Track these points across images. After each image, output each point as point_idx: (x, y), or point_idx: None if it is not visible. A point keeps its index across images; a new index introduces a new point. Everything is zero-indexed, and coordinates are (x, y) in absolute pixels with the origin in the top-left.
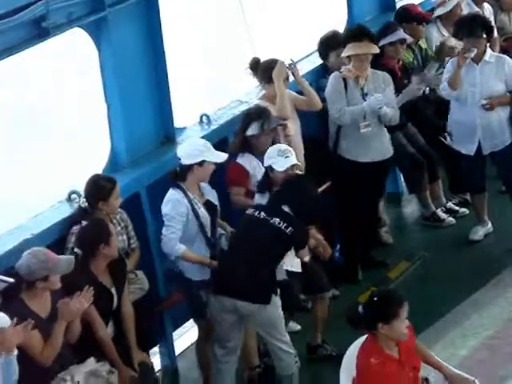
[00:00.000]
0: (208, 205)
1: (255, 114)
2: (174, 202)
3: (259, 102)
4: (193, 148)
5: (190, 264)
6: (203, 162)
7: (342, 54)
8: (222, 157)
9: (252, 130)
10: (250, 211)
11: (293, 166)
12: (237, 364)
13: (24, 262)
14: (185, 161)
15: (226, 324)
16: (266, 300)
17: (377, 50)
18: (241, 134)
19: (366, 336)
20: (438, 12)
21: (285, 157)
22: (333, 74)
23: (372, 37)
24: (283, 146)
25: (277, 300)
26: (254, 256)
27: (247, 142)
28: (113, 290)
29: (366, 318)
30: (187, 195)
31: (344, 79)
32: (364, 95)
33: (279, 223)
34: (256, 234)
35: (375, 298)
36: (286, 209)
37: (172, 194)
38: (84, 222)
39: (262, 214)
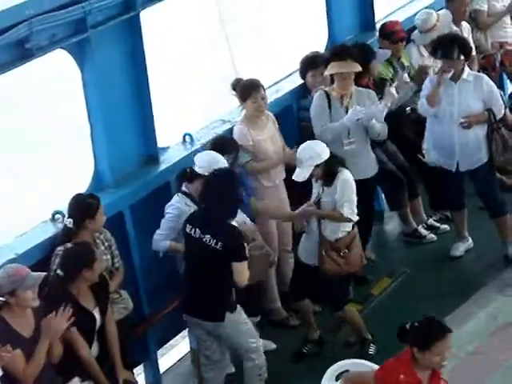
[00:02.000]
0: None
1: (219, 147)
2: (173, 208)
3: (237, 122)
4: (212, 162)
5: None
6: None
7: (325, 73)
8: None
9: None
10: (187, 228)
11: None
12: (225, 373)
13: None
14: (198, 169)
15: (202, 338)
16: (220, 318)
17: (359, 69)
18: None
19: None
20: (419, 41)
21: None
22: (317, 93)
23: (354, 55)
24: (301, 154)
25: (233, 316)
26: (199, 276)
27: None
28: (95, 312)
29: (405, 338)
30: (193, 199)
31: (328, 98)
32: (347, 113)
33: (210, 241)
34: (195, 254)
35: (416, 323)
36: (215, 214)
37: (176, 201)
38: (69, 244)
39: (197, 231)
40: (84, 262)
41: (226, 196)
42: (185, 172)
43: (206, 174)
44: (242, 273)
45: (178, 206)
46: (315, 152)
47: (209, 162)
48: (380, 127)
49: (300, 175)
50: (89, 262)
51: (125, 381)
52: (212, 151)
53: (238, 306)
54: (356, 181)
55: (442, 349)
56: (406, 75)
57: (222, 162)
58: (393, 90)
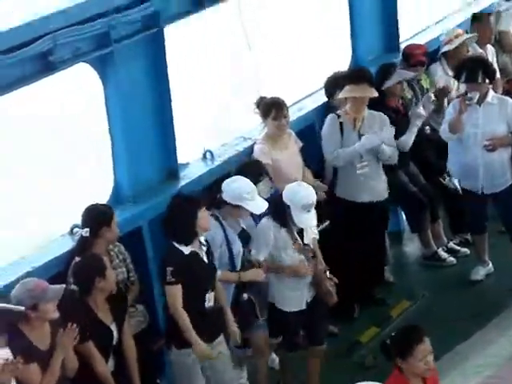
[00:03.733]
0: (242, 234)
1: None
2: (210, 234)
3: (258, 140)
4: (238, 191)
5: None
6: (240, 206)
7: (340, 95)
8: (260, 209)
9: None
10: None
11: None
12: None
13: (14, 291)
14: (225, 196)
15: None
16: (167, 344)
17: (375, 94)
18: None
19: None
20: (444, 49)
21: (306, 211)
22: (329, 116)
23: (371, 80)
24: (311, 199)
25: (179, 353)
26: None
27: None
28: (112, 326)
29: (388, 352)
30: (222, 225)
31: (340, 122)
32: (360, 137)
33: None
34: None
35: (393, 333)
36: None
37: (211, 225)
38: (77, 258)
39: None
40: (95, 271)
41: (175, 219)
42: (214, 198)
43: (234, 203)
44: (168, 297)
45: (213, 230)
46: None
47: (235, 191)
48: (389, 151)
49: (315, 219)
50: (100, 270)
51: None
52: (240, 177)
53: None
54: (369, 203)
55: (423, 352)
56: (431, 94)
57: (248, 189)
58: (420, 109)
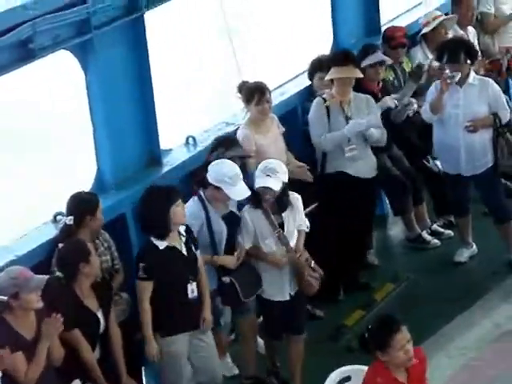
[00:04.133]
0: (229, 217)
1: (218, 143)
2: (189, 214)
3: (241, 125)
4: (220, 172)
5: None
6: (220, 188)
7: (326, 77)
8: (240, 195)
9: (213, 157)
10: None
11: (265, 188)
12: None
13: None
14: (208, 177)
15: None
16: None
17: (360, 75)
18: (206, 161)
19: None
20: (422, 31)
21: (266, 175)
22: (315, 100)
23: (356, 62)
24: (273, 164)
25: (163, 341)
26: None
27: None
28: (99, 314)
29: (365, 346)
30: (205, 206)
31: (327, 106)
32: (347, 119)
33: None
34: None
35: (369, 326)
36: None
37: (191, 206)
38: (60, 245)
39: None
40: (79, 256)
41: (147, 213)
42: (202, 177)
43: (215, 184)
44: (137, 291)
45: (194, 210)
46: (285, 170)
47: (216, 171)
48: (378, 134)
49: (276, 185)
50: (84, 255)
51: None
52: (226, 160)
53: (178, 338)
54: (357, 180)
55: (402, 342)
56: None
57: (230, 173)
58: (387, 101)
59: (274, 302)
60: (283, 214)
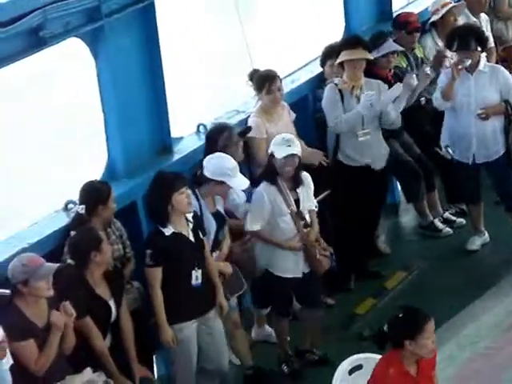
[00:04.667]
0: (216, 215)
1: (210, 136)
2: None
3: (252, 113)
4: (219, 167)
5: None
6: (223, 182)
7: (337, 61)
8: (242, 184)
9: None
10: None
11: (293, 155)
12: None
13: (11, 264)
14: (206, 172)
15: None
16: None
17: (371, 57)
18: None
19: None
20: (431, 19)
21: (287, 145)
22: (328, 86)
23: (366, 45)
24: (288, 136)
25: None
26: None
27: None
28: (111, 302)
29: (393, 336)
30: (199, 203)
31: (340, 91)
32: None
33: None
34: None
35: (400, 315)
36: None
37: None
38: (73, 232)
39: None
40: (91, 244)
41: (150, 199)
42: (195, 175)
43: (216, 178)
44: (147, 279)
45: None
46: (298, 143)
47: (216, 166)
48: (394, 115)
49: (299, 152)
50: (95, 244)
51: (141, 378)
52: (221, 154)
53: (185, 327)
54: (370, 170)
55: (431, 331)
56: (427, 68)
57: (229, 165)
58: (412, 78)
59: (286, 279)
60: (298, 190)
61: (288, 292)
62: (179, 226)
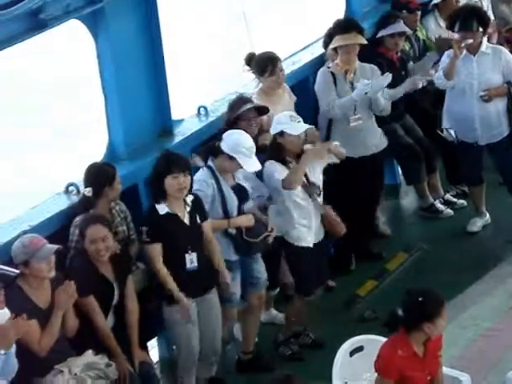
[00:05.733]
0: (237, 189)
1: (233, 102)
2: (200, 183)
3: (253, 95)
4: (237, 143)
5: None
6: (234, 159)
7: (330, 46)
8: (253, 167)
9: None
10: None
11: (305, 130)
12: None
13: (13, 245)
14: (223, 145)
15: None
16: (158, 300)
17: (364, 41)
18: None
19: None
20: (434, 1)
21: (297, 121)
22: (321, 69)
23: (360, 28)
24: (291, 112)
25: (168, 310)
26: None
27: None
28: (115, 284)
29: (410, 319)
30: (215, 176)
31: (333, 74)
32: (353, 88)
33: None
34: None
35: (420, 299)
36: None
37: (200, 175)
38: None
39: None
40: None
41: (152, 176)
42: (213, 146)
43: (230, 153)
44: (147, 257)
45: (204, 178)
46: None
47: (234, 141)
48: (384, 102)
49: (306, 126)
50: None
51: (140, 362)
52: (242, 131)
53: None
54: (365, 157)
55: (445, 311)
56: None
57: (246, 144)
58: (417, 78)
59: (299, 248)
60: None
61: (306, 265)
62: (175, 207)
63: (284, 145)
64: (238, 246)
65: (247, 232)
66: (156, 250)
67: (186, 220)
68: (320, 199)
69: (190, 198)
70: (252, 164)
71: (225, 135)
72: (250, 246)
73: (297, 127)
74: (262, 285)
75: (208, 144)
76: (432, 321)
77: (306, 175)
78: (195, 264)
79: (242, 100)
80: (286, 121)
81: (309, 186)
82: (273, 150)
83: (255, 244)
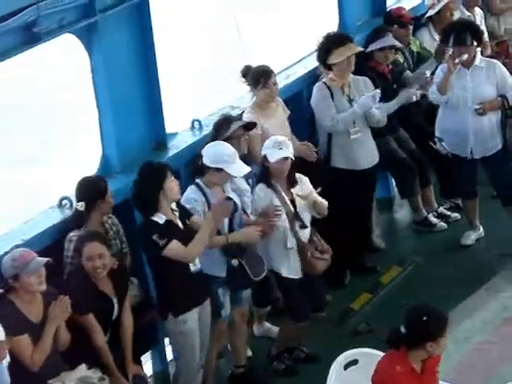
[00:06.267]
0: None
1: (218, 123)
2: (189, 201)
3: (247, 109)
4: (217, 153)
5: (208, 260)
6: (221, 170)
7: (333, 61)
8: (241, 172)
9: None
10: None
11: (285, 158)
12: None
13: (3, 260)
14: (206, 160)
15: None
16: (162, 315)
17: (361, 49)
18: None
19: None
20: (428, 14)
21: (278, 148)
22: (318, 84)
23: (351, 40)
24: (280, 138)
25: (174, 322)
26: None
27: None
28: (114, 300)
29: (412, 337)
30: (203, 192)
31: (329, 88)
32: (350, 101)
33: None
34: None
35: (424, 318)
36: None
37: (189, 193)
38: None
39: None
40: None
41: (141, 189)
42: (197, 166)
43: (214, 166)
44: (175, 256)
45: (194, 196)
46: (291, 144)
47: (214, 153)
48: (379, 114)
49: (291, 154)
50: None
51: (134, 375)
52: (219, 141)
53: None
54: (361, 170)
55: (447, 330)
56: (428, 72)
57: (226, 151)
58: (411, 91)
59: (292, 280)
60: (292, 191)
61: (298, 294)
62: (168, 214)
63: (268, 169)
64: (235, 278)
65: (251, 269)
66: (178, 245)
67: (180, 225)
68: (305, 233)
69: (174, 205)
70: (238, 169)
71: (203, 151)
72: (249, 281)
73: (274, 154)
74: (245, 301)
75: (193, 166)
76: (435, 340)
77: (293, 201)
78: (198, 266)
79: (226, 120)
80: (269, 145)
81: (293, 216)
82: (261, 173)
83: (254, 281)
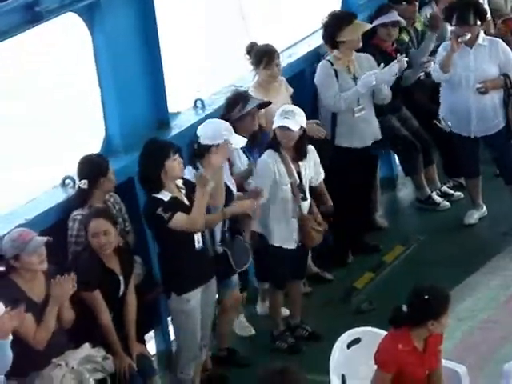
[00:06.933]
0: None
1: (233, 99)
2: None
3: (250, 88)
4: (215, 130)
5: None
6: (221, 145)
7: (348, 38)
8: (240, 142)
9: (234, 115)
10: None
11: (287, 128)
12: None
13: (3, 241)
14: (205, 140)
15: None
16: (166, 292)
17: (370, 26)
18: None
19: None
20: None
21: (283, 117)
22: (322, 63)
23: (356, 17)
24: (289, 108)
25: (177, 300)
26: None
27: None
28: (121, 277)
29: (414, 316)
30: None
31: (333, 67)
32: (355, 79)
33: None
34: None
35: (426, 297)
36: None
37: (188, 174)
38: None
39: None
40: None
41: (144, 167)
42: (193, 151)
43: (215, 142)
44: (184, 225)
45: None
46: (303, 114)
47: (211, 130)
48: (386, 90)
49: (294, 126)
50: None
51: (138, 355)
52: (212, 120)
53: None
54: (365, 148)
55: (449, 309)
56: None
57: (223, 126)
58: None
59: (284, 250)
60: (300, 163)
61: (283, 263)
62: (174, 191)
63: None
64: (218, 264)
65: (235, 259)
66: (182, 216)
67: (186, 202)
68: (305, 204)
69: (180, 182)
70: (237, 140)
71: (198, 132)
72: (230, 270)
73: (278, 121)
74: (235, 283)
75: (190, 152)
76: (437, 319)
77: (299, 173)
78: (201, 244)
79: (241, 97)
80: (278, 113)
81: (297, 187)
82: (272, 139)
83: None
